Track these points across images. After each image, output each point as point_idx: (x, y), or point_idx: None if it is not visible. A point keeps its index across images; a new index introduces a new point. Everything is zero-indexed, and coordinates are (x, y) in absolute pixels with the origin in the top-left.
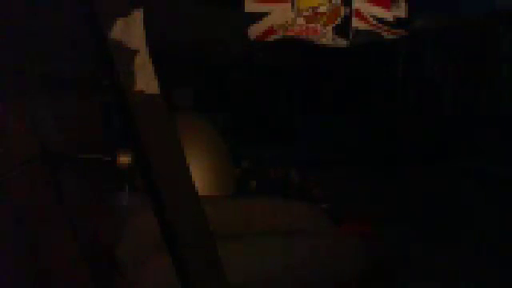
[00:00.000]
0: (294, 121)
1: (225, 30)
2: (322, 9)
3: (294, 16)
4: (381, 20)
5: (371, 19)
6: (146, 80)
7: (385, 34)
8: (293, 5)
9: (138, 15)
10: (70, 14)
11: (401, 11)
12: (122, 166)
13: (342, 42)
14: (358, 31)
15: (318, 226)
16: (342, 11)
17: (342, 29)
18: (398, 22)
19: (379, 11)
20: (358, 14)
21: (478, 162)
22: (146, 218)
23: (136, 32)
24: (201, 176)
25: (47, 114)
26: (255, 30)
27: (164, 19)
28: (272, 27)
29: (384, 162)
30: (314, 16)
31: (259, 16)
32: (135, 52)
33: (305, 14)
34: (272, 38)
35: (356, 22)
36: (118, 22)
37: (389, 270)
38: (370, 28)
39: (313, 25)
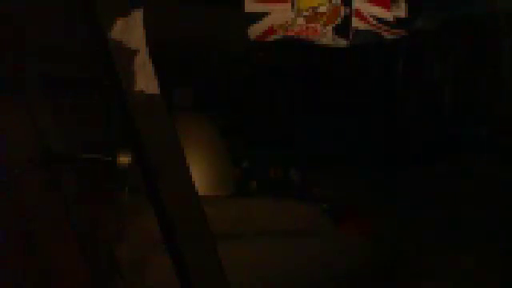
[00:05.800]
0: (294, 121)
1: (225, 29)
2: (322, 9)
3: (294, 16)
4: (381, 20)
5: (371, 19)
6: (146, 80)
7: (385, 34)
8: (293, 5)
9: (138, 15)
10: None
11: (401, 11)
12: (121, 165)
13: (342, 42)
14: (357, 31)
15: (318, 226)
16: (342, 11)
17: (342, 29)
18: (398, 22)
19: (379, 11)
20: (358, 14)
21: (477, 162)
22: (146, 218)
23: (136, 32)
24: (201, 176)
25: (48, 114)
26: (255, 30)
27: (164, 19)
28: (272, 27)
29: (384, 162)
30: (314, 16)
31: (259, 16)
32: (135, 52)
33: (305, 14)
34: (272, 37)
35: (356, 22)
36: (117, 22)
37: (388, 270)
38: (370, 28)
39: (313, 25)
